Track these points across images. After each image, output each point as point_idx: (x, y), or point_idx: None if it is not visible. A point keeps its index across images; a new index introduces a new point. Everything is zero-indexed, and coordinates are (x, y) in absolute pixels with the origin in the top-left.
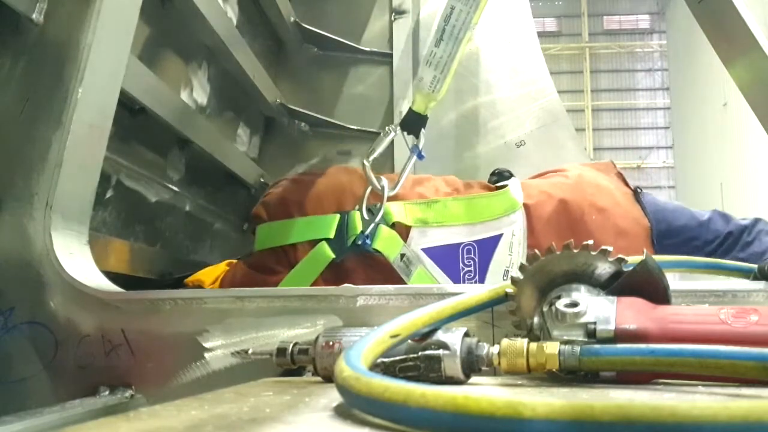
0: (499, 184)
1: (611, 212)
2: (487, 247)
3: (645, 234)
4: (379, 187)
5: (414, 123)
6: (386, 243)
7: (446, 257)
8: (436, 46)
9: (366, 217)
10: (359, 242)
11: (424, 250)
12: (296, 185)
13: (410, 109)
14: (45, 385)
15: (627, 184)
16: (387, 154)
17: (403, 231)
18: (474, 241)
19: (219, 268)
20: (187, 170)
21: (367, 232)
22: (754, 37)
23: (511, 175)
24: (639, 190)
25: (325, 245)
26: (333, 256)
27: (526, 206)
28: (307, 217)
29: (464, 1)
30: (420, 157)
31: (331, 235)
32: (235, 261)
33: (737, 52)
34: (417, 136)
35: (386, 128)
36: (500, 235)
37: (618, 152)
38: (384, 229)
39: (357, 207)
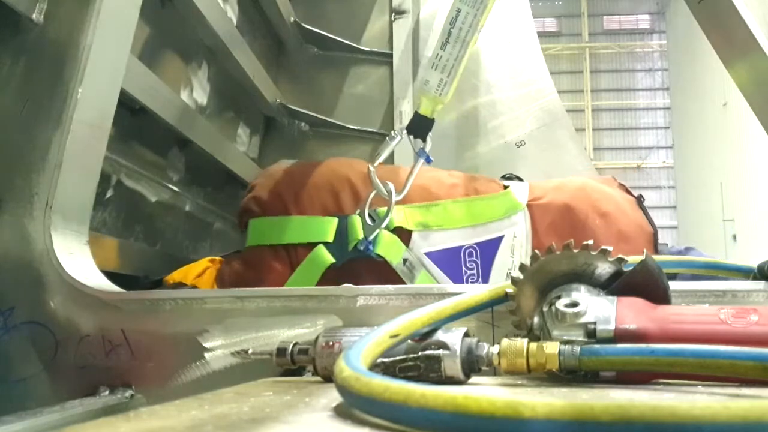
0: (504, 183)
1: (614, 217)
2: (489, 249)
3: (648, 240)
4: (386, 193)
5: (421, 126)
6: (388, 248)
7: (449, 260)
8: (442, 49)
9: (369, 222)
10: (361, 247)
11: (426, 254)
12: (290, 177)
13: (416, 113)
14: (45, 385)
15: (630, 193)
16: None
17: (405, 235)
18: (476, 244)
19: (200, 264)
20: (187, 170)
21: (371, 237)
22: (754, 38)
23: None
24: (642, 198)
25: (322, 249)
26: (332, 260)
27: (529, 207)
28: (303, 217)
29: (470, 3)
30: (428, 161)
31: (330, 239)
32: (218, 258)
33: (737, 52)
34: (424, 140)
35: (392, 132)
36: (501, 237)
37: (618, 152)
38: (385, 234)
39: (358, 211)
